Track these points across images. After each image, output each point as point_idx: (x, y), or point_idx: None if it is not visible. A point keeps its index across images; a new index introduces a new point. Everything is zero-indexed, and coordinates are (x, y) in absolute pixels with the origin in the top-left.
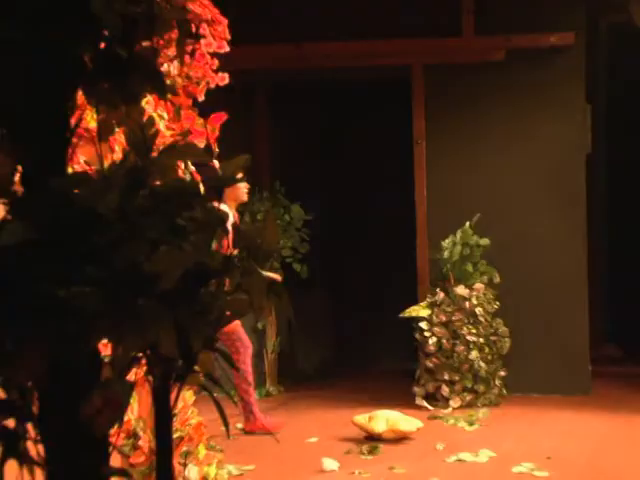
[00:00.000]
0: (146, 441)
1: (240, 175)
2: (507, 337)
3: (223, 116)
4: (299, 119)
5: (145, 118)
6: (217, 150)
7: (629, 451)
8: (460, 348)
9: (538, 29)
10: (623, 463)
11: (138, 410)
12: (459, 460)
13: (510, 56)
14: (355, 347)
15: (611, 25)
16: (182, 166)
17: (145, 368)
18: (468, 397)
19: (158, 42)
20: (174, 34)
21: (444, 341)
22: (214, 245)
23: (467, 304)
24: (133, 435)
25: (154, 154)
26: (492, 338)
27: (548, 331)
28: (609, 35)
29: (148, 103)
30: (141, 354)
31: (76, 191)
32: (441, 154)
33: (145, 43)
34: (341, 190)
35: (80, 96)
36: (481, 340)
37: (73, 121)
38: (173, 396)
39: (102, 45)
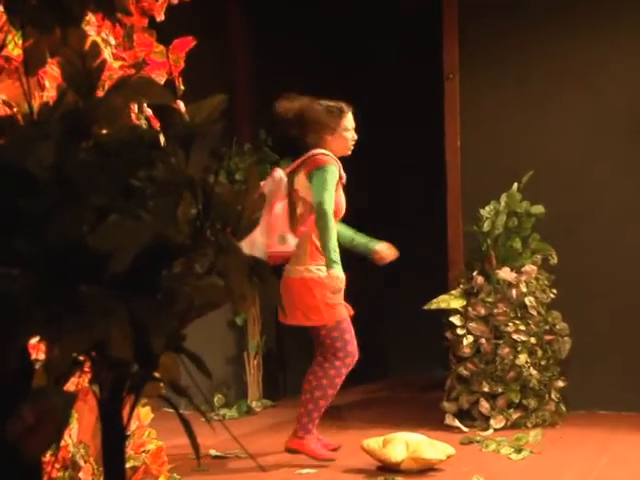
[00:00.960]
0: (88, 473)
1: (215, 120)
2: (567, 336)
3: (190, 41)
4: (292, 46)
5: (87, 45)
6: (182, 87)
7: None
8: (504, 351)
9: None
10: None
11: (78, 432)
12: None
13: None
14: (365, 349)
15: None
16: (136, 109)
17: (89, 375)
18: (515, 415)
19: None
20: None
21: (483, 341)
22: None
23: (514, 292)
24: (71, 465)
25: (99, 93)
26: (547, 338)
27: (621, 329)
28: None
29: (89, 24)
30: (84, 357)
31: None
32: (479, 93)
33: None
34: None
35: (0, 15)
36: (532, 340)
37: None
38: (126, 413)
39: None
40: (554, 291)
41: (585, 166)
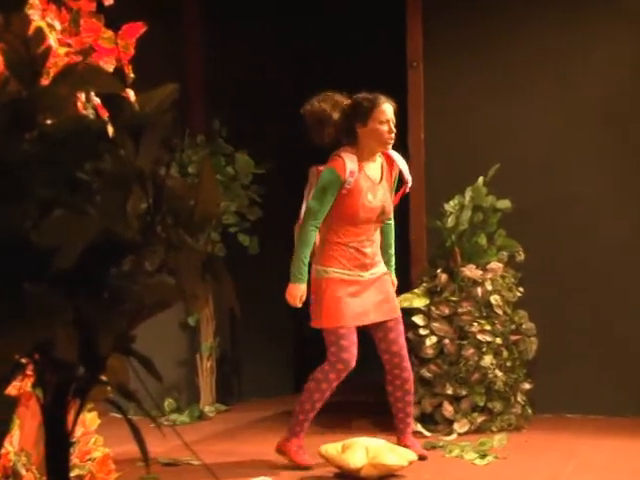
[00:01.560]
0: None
1: (166, 110)
2: (534, 337)
3: (140, 27)
4: (250, 32)
5: (31, 30)
6: (132, 75)
7: None
8: (469, 351)
9: None
10: None
11: (20, 439)
12: None
13: None
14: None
15: None
16: (83, 98)
17: (32, 379)
18: (479, 419)
19: None
20: None
21: (447, 342)
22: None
23: (479, 291)
24: (13, 474)
25: (44, 81)
26: (513, 338)
27: (590, 329)
28: None
29: (33, 8)
30: (27, 359)
31: None
32: (445, 82)
33: None
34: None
35: None
36: (498, 340)
37: None
38: (71, 418)
39: None
40: (521, 289)
41: (555, 158)
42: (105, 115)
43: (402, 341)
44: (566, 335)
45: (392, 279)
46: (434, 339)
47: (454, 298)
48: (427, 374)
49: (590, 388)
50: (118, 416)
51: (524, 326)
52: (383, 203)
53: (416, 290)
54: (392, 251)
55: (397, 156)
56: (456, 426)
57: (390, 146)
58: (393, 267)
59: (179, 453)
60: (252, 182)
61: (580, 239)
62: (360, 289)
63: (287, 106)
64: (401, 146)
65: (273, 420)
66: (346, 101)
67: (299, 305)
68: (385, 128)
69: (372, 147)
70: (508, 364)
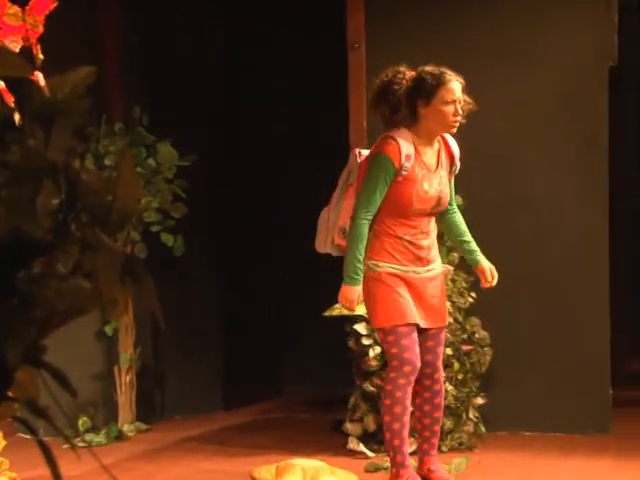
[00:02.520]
0: None
1: (81, 97)
2: (487, 347)
3: (50, 3)
4: (177, 11)
5: None
6: (41, 57)
7: None
8: None
9: None
10: None
11: None
12: None
13: None
14: (256, 361)
15: None
16: None
17: None
18: None
19: None
20: None
21: None
22: None
23: None
24: None
25: None
26: (465, 348)
27: (549, 338)
28: None
29: None
30: None
31: None
32: (388, 64)
33: None
34: (240, 121)
35: None
36: (448, 351)
37: None
38: None
39: None
40: (473, 295)
41: (509, 149)
42: (11, 101)
43: (440, 351)
44: (523, 345)
45: (486, 266)
46: (378, 350)
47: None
48: (370, 388)
49: (549, 404)
50: (27, 436)
51: (477, 335)
52: (439, 193)
53: None
54: (469, 237)
55: (452, 140)
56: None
57: (455, 129)
58: (479, 252)
59: (96, 477)
60: (176, 176)
61: (539, 239)
62: (415, 288)
63: (215, 93)
64: (343, 133)
65: (199, 440)
66: (409, 74)
67: (356, 310)
68: (451, 109)
69: (433, 129)
70: (459, 377)
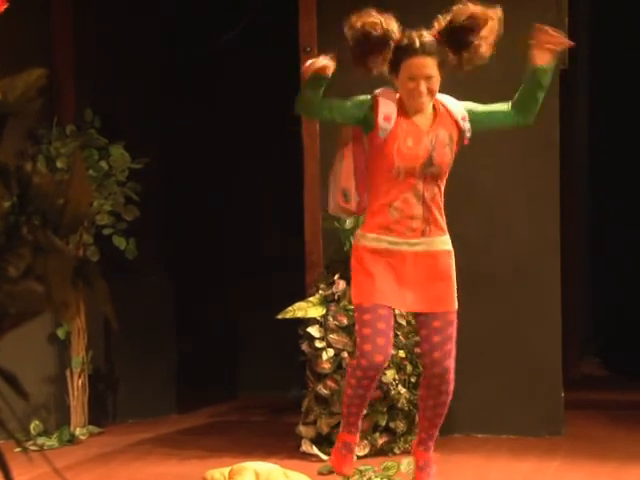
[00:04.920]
0: None
1: (33, 97)
2: None
3: (1, 5)
4: (130, 11)
5: None
6: None
7: None
8: None
9: None
10: None
11: None
12: None
13: None
14: (210, 364)
15: None
16: None
17: None
18: (381, 440)
19: None
20: None
21: (345, 355)
22: None
23: None
24: None
25: None
26: (418, 351)
27: (500, 341)
28: None
29: None
30: None
31: None
32: (340, 69)
33: None
34: (194, 122)
35: None
36: (401, 354)
37: None
38: None
39: None
40: None
41: (458, 154)
42: None
43: (449, 348)
44: (475, 349)
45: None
46: (331, 352)
47: (353, 307)
48: (324, 391)
49: (502, 406)
50: None
51: None
52: (430, 152)
53: (311, 298)
54: (522, 88)
55: (451, 102)
56: (356, 448)
57: (422, 106)
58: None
59: None
60: (128, 178)
61: (489, 239)
62: (402, 264)
63: (168, 94)
64: (296, 137)
65: (153, 443)
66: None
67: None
68: (411, 86)
69: (406, 102)
70: (412, 380)
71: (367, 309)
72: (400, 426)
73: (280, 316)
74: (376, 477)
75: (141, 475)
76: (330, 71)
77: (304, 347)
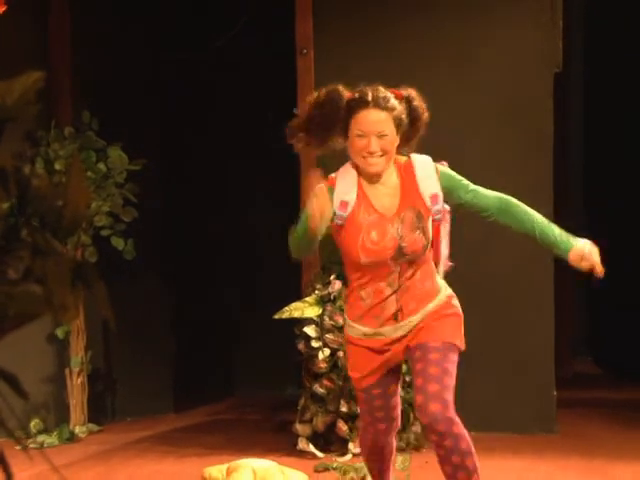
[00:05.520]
0: None
1: (29, 103)
2: None
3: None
4: (126, 15)
5: None
6: None
7: None
8: None
9: None
10: None
11: None
12: None
13: None
14: (207, 363)
15: None
16: None
17: None
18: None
19: None
20: None
21: (341, 355)
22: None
23: None
24: None
25: None
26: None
27: (493, 340)
28: None
29: None
30: None
31: None
32: (337, 71)
33: None
34: (193, 123)
35: None
36: None
37: None
38: None
39: None
40: None
41: (452, 155)
42: None
43: (431, 373)
44: (470, 348)
45: (577, 257)
46: (327, 352)
47: None
48: (320, 390)
49: (495, 404)
50: None
51: None
52: (398, 243)
53: (307, 299)
54: (543, 222)
55: (421, 170)
56: (351, 446)
57: (373, 168)
58: (562, 236)
59: (48, 478)
60: (127, 180)
61: (485, 242)
62: (382, 345)
63: (165, 97)
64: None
65: (151, 441)
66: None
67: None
68: (360, 143)
69: (359, 165)
70: (407, 378)
71: (360, 389)
72: None
73: (277, 316)
74: (367, 473)
75: (140, 472)
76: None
77: (300, 347)
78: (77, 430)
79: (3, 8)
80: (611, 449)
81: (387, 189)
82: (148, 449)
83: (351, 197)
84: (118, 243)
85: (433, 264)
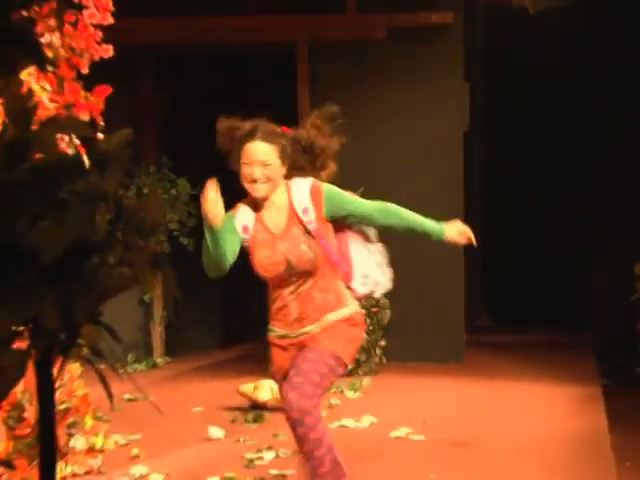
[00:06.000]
0: (32, 413)
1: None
2: (387, 309)
3: (107, 89)
4: (186, 93)
5: (24, 90)
6: (101, 123)
7: (497, 416)
8: None
9: (419, 8)
10: (491, 428)
11: (24, 382)
12: (342, 426)
13: (392, 34)
14: (242, 318)
15: (490, 5)
16: (67, 139)
17: (28, 341)
18: (349, 366)
19: (37, 11)
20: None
21: None
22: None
23: None
24: (18, 407)
25: (35, 127)
26: (373, 310)
27: (425, 302)
28: (489, 15)
29: (31, 75)
30: (23, 328)
31: None
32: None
33: (22, 13)
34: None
35: None
36: (363, 311)
37: None
38: (56, 370)
39: None
40: None
41: (400, 182)
42: (83, 152)
43: (301, 368)
44: (408, 308)
45: (451, 237)
46: None
47: None
48: None
49: (424, 343)
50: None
51: (381, 302)
52: (286, 257)
53: None
54: (416, 219)
55: (296, 189)
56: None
57: (257, 193)
58: (432, 224)
59: (136, 393)
60: (190, 200)
61: (416, 243)
62: (289, 345)
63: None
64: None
65: (205, 368)
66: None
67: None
68: (246, 171)
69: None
70: (370, 328)
71: (275, 381)
72: (362, 357)
73: None
74: (346, 389)
75: (197, 387)
76: (219, 222)
77: None
78: (158, 361)
79: (109, 90)
80: (503, 373)
81: (277, 210)
82: (202, 373)
83: (250, 220)
84: (184, 240)
85: (340, 281)
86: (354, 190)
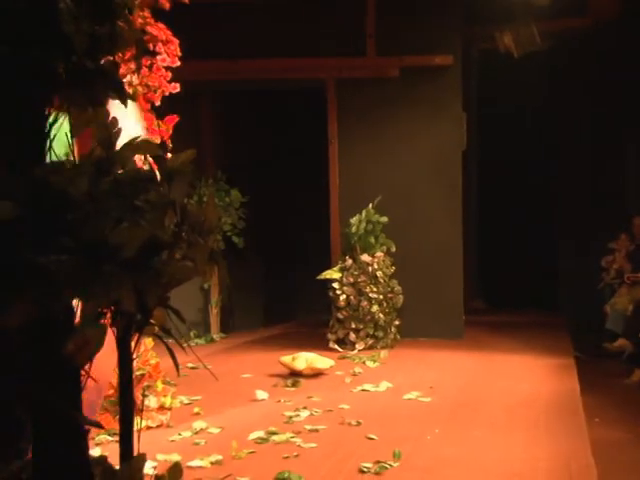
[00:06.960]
0: (115, 379)
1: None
2: (400, 294)
3: (175, 118)
4: (236, 120)
5: (110, 119)
6: (170, 145)
7: (490, 382)
8: (364, 303)
9: (425, 51)
10: (486, 391)
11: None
12: (363, 390)
13: (404, 72)
14: (282, 303)
15: (482, 51)
16: (142, 158)
17: (110, 321)
18: (370, 341)
19: (120, 57)
20: (134, 51)
21: (351, 297)
22: None
23: (370, 268)
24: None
25: (117, 148)
26: (389, 295)
27: (432, 289)
28: (480, 58)
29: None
30: (106, 310)
31: (53, 177)
32: (349, 151)
33: (109, 58)
34: (272, 178)
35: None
36: (380, 297)
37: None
38: (133, 344)
39: (73, 59)
40: (393, 267)
41: (410, 194)
42: (156, 168)
43: None
44: (418, 293)
45: None
46: (344, 296)
47: (355, 273)
48: (340, 316)
49: (431, 322)
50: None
51: (395, 289)
52: None
53: (334, 268)
54: None
55: None
56: (357, 345)
57: None
58: None
59: (197, 362)
60: (240, 206)
61: (422, 239)
62: None
63: (261, 162)
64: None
65: (252, 342)
66: None
67: None
68: None
69: None
70: (387, 310)
71: None
72: (380, 334)
73: (319, 277)
74: (367, 360)
75: (247, 359)
76: None
77: (330, 293)
78: (215, 336)
79: (177, 118)
80: (497, 347)
81: None
82: (251, 347)
83: None
84: (235, 239)
85: None
86: (374, 198)
